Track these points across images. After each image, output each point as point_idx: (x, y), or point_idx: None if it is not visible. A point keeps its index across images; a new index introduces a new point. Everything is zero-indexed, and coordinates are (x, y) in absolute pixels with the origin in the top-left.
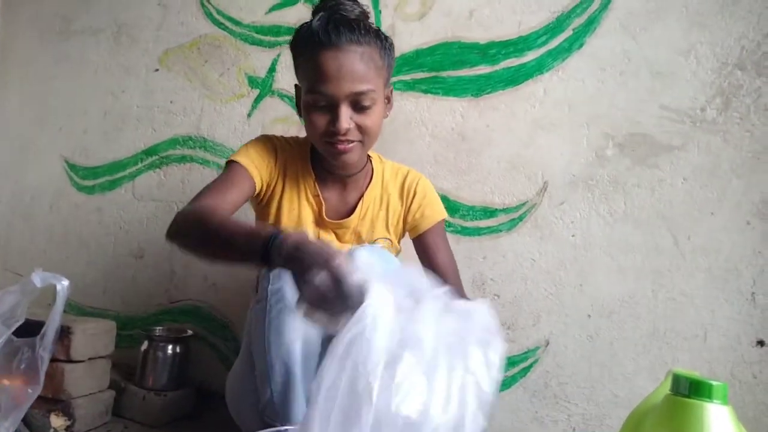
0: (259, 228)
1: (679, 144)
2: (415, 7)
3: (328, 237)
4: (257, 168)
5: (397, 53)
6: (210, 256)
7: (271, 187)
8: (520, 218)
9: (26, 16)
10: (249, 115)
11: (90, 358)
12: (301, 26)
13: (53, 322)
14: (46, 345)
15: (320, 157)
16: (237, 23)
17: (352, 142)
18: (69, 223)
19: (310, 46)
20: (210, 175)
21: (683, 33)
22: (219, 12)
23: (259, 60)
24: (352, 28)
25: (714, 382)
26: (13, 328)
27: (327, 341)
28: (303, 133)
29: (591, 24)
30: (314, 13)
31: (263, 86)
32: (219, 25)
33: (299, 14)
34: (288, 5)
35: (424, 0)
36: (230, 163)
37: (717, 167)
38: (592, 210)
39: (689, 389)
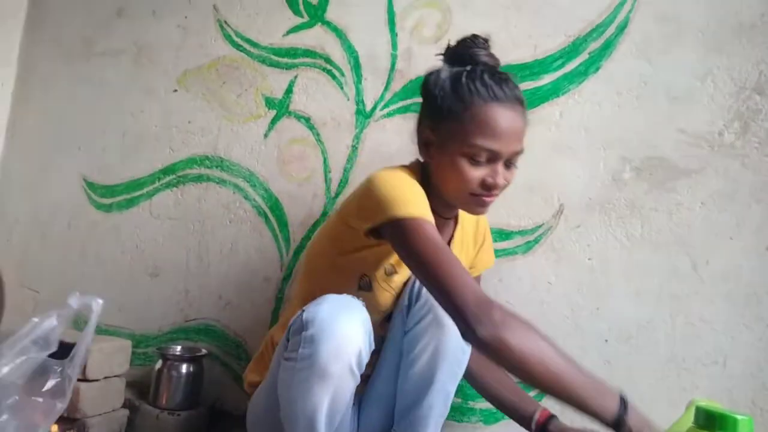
0: (597, 381)
1: (697, 168)
2: (431, 31)
3: None
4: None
5: (414, 76)
6: (544, 386)
7: None
8: (536, 241)
9: (48, 38)
10: (266, 136)
11: (105, 377)
12: (447, 73)
13: (85, 341)
14: (75, 363)
15: (432, 198)
16: (255, 45)
17: (496, 195)
18: (86, 241)
19: (477, 98)
20: (226, 194)
21: (700, 57)
22: (237, 34)
23: (276, 81)
24: (515, 84)
25: (740, 416)
26: (47, 353)
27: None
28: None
29: (607, 48)
30: (453, 57)
31: (280, 107)
32: (237, 47)
33: (317, 37)
34: (305, 28)
35: (440, 23)
36: (421, 224)
37: (736, 192)
38: (609, 233)
39: (714, 423)
